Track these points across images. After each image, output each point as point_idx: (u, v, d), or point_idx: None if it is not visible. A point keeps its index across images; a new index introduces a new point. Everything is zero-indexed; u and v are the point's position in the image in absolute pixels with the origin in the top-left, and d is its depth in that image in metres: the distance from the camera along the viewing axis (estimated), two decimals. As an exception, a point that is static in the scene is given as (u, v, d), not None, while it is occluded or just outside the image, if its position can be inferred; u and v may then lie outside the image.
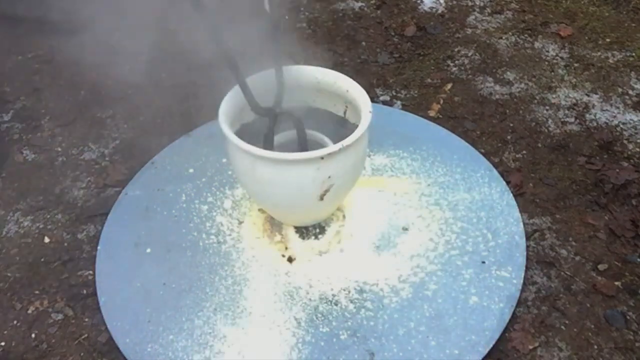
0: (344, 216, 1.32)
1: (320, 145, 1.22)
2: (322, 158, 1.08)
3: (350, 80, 1.22)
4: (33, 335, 1.18)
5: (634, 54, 1.79)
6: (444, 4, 2.00)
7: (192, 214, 1.35)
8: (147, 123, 1.60)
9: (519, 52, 1.81)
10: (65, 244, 1.33)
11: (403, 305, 1.18)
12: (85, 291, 1.24)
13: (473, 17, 1.95)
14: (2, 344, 1.17)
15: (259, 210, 1.34)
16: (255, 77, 1.18)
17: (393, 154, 1.46)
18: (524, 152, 1.51)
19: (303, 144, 1.21)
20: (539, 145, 1.53)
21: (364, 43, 1.86)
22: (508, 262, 1.24)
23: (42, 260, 1.30)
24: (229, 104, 1.17)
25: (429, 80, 1.73)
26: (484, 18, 1.95)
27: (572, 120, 1.60)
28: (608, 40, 1.85)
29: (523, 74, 1.74)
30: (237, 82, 1.12)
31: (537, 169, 1.47)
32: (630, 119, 1.59)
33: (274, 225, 1.31)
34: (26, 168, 1.50)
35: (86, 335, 1.18)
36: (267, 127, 1.18)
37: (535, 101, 1.65)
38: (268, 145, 1.17)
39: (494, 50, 1.82)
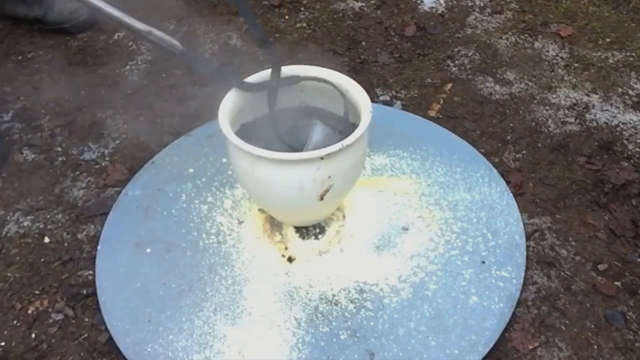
0: (344, 216, 1.32)
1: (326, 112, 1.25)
2: (322, 158, 1.08)
3: (350, 80, 1.22)
4: (33, 335, 1.18)
5: (634, 54, 1.79)
6: (444, 4, 2.00)
7: (192, 214, 1.35)
8: (147, 123, 1.59)
9: (519, 52, 1.81)
10: (65, 244, 1.33)
11: (403, 305, 1.18)
12: (85, 291, 1.24)
13: (473, 17, 1.95)
14: (2, 344, 1.17)
15: (259, 210, 1.34)
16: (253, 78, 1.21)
17: (393, 154, 1.46)
18: (524, 152, 1.51)
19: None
20: (539, 145, 1.53)
21: (364, 43, 1.86)
22: (508, 262, 1.24)
23: (42, 260, 1.30)
24: (229, 104, 1.17)
25: (429, 80, 1.73)
26: (484, 18, 1.95)
27: (572, 120, 1.60)
28: (608, 40, 1.85)
29: (523, 74, 1.74)
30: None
31: (537, 169, 1.47)
32: (630, 119, 1.59)
33: (274, 225, 1.31)
34: (26, 168, 1.50)
35: (86, 335, 1.18)
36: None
37: (535, 101, 1.65)
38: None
39: (494, 50, 1.82)
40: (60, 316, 1.21)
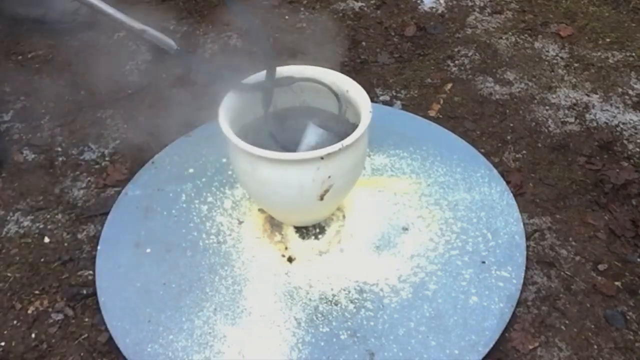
0: (344, 216, 1.32)
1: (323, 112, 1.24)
2: (322, 158, 1.08)
3: (350, 80, 1.22)
4: (33, 335, 1.18)
5: (634, 54, 1.79)
6: (444, 4, 2.00)
7: (192, 214, 1.35)
8: (147, 123, 1.59)
9: (519, 52, 1.81)
10: (65, 244, 1.33)
11: (403, 305, 1.18)
12: (85, 291, 1.24)
13: (473, 17, 1.95)
14: (2, 344, 1.17)
15: (259, 210, 1.34)
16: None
17: (393, 154, 1.46)
18: (524, 152, 1.51)
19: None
20: (539, 145, 1.53)
21: (364, 43, 1.86)
22: (508, 262, 1.24)
23: (42, 260, 1.30)
24: (229, 104, 1.17)
25: (429, 80, 1.73)
26: (484, 18, 1.95)
27: (572, 120, 1.60)
28: (608, 40, 1.85)
29: (523, 74, 1.74)
30: None
31: (537, 169, 1.47)
32: (630, 119, 1.59)
33: (274, 225, 1.31)
34: (26, 168, 1.50)
35: (86, 335, 1.18)
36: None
37: (535, 101, 1.65)
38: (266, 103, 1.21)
39: (494, 50, 1.82)
40: (60, 316, 1.21)
